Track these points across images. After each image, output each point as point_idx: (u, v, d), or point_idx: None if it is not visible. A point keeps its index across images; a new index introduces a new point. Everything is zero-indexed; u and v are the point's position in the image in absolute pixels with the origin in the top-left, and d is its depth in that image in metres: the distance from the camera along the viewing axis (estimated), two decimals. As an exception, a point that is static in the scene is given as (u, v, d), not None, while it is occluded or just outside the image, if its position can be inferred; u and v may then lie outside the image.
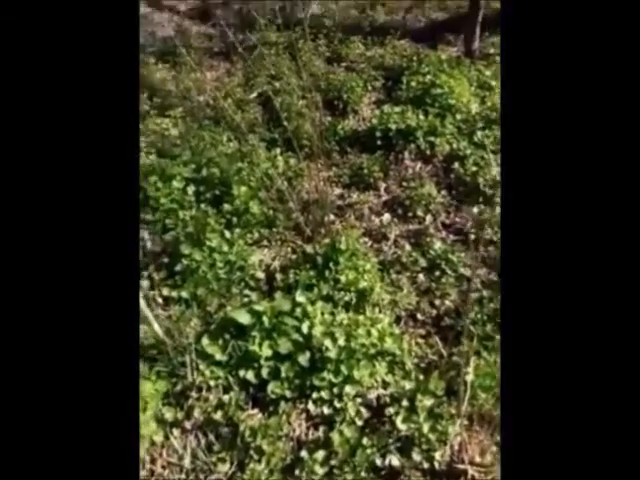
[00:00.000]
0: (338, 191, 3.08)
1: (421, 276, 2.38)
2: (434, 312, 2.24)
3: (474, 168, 2.93)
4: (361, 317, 1.97)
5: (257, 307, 1.82)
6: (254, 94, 4.00)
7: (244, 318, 1.83)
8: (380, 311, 2.16)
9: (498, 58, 4.36)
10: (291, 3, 6.19)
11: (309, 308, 1.87)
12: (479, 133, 3.25)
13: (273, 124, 3.50)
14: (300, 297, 1.90)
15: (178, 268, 2.03)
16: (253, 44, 5.12)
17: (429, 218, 2.78)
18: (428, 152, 3.21)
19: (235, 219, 2.43)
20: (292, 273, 2.16)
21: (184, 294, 1.98)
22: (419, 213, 2.77)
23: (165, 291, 2.02)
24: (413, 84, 3.76)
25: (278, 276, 2.19)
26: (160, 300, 2.07)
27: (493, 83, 3.94)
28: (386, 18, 5.97)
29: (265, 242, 2.49)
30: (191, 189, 2.50)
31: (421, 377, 1.86)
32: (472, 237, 2.58)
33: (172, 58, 4.70)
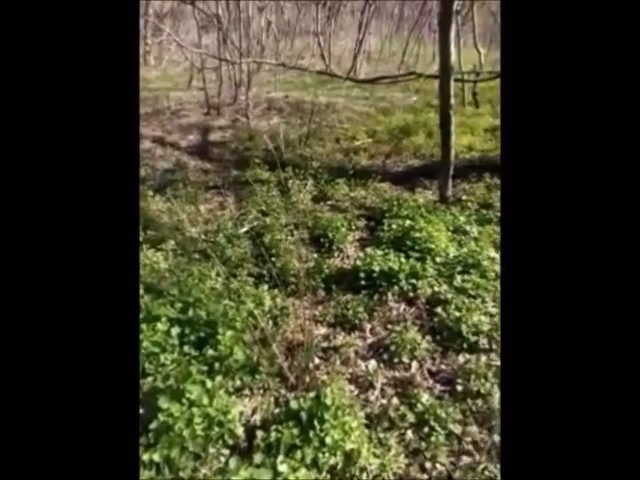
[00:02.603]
0: (323, 330, 3.07)
1: (409, 433, 2.27)
2: (425, 477, 2.08)
3: (457, 313, 3.00)
4: (348, 485, 1.81)
5: (234, 479, 1.67)
6: (245, 228, 4.19)
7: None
8: (368, 476, 2.00)
9: (470, 204, 4.78)
10: (283, 145, 6.88)
11: (291, 478, 1.72)
12: (458, 277, 3.40)
13: (262, 259, 3.62)
14: (282, 465, 1.76)
15: (154, 425, 1.89)
16: (246, 180, 5.55)
17: (415, 365, 2.75)
18: (411, 294, 3.30)
19: (218, 364, 2.36)
20: (274, 430, 2.03)
21: (156, 457, 1.81)
22: (405, 359, 2.75)
23: (135, 453, 1.85)
24: (394, 227, 4.02)
25: (259, 433, 2.05)
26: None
27: (468, 228, 4.25)
28: (368, 162, 6.64)
29: (247, 390, 2.38)
30: (175, 330, 2.47)
31: None
32: (459, 388, 2.53)
33: (169, 191, 5.01)
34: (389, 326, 3.06)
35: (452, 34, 4.12)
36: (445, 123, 4.62)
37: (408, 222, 4.01)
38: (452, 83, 4.40)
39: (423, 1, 15.26)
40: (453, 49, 4.25)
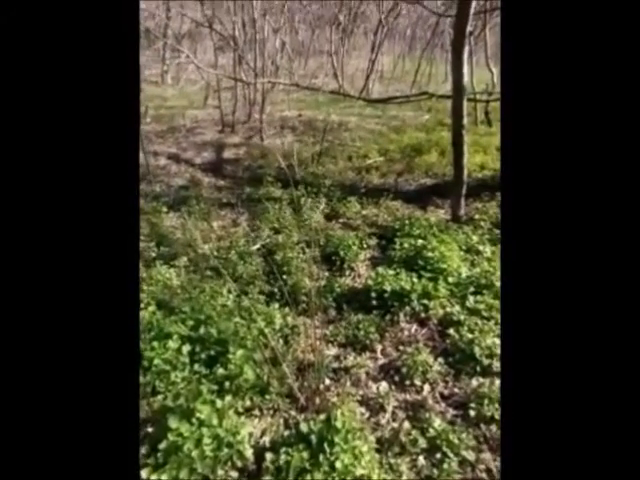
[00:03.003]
0: (334, 351, 3.05)
1: (421, 459, 2.22)
2: (437, 506, 2.03)
3: (469, 335, 2.96)
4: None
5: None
6: (257, 246, 4.22)
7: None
8: (378, 504, 1.96)
9: (483, 223, 4.75)
10: (296, 163, 6.94)
11: (301, 503, 1.70)
12: (471, 298, 3.36)
13: (273, 277, 3.63)
14: (292, 490, 1.73)
15: (163, 445, 1.88)
16: (259, 197, 5.61)
17: (427, 388, 2.70)
18: (423, 315, 3.27)
19: (228, 384, 2.35)
20: (284, 453, 2.01)
21: (164, 478, 1.80)
22: (416, 382, 2.71)
23: (144, 473, 1.84)
24: (406, 246, 4.01)
25: (268, 455, 2.03)
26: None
27: (480, 248, 4.22)
28: (380, 180, 6.66)
29: (256, 411, 2.37)
30: (186, 348, 2.47)
31: None
32: (472, 413, 2.48)
33: (183, 207, 5.08)
34: (400, 347, 3.02)
35: (465, 55, 4.15)
36: (458, 143, 4.63)
37: (420, 241, 3.99)
38: (465, 103, 4.42)
39: (435, 22, 15.47)
40: (466, 69, 4.28)
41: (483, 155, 7.32)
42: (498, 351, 2.82)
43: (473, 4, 3.84)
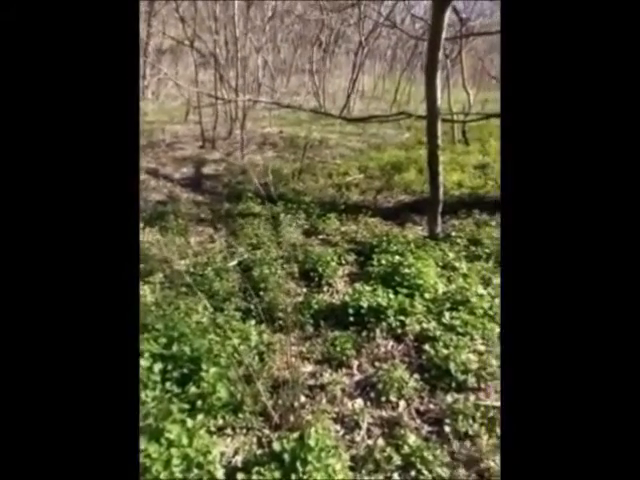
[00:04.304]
0: (310, 367, 3.03)
1: (395, 476, 2.20)
2: (411, 526, 2.01)
3: (445, 351, 2.98)
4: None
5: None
6: (234, 262, 4.19)
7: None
8: (351, 523, 1.93)
9: (460, 240, 4.83)
10: (274, 180, 6.98)
11: (271, 526, 1.66)
12: (447, 314, 3.40)
13: (250, 293, 3.60)
14: (262, 512, 1.69)
15: (129, 467, 1.82)
16: (238, 213, 5.60)
17: (402, 404, 2.70)
18: (399, 331, 3.29)
19: (200, 402, 2.31)
20: (255, 472, 1.97)
21: (130, 502, 1.73)
22: (392, 398, 2.70)
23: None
24: (383, 262, 4.04)
25: (239, 476, 1.98)
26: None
27: (457, 264, 4.28)
28: (359, 197, 6.73)
29: (229, 430, 2.32)
30: (158, 366, 2.42)
31: None
32: (447, 429, 2.48)
33: (160, 223, 5.03)
34: (377, 363, 3.02)
35: (438, 79, 4.30)
36: (433, 162, 4.74)
37: (397, 258, 4.03)
38: (439, 124, 4.54)
39: (414, 44, 15.94)
40: (439, 93, 4.42)
41: (460, 173, 7.50)
42: (473, 367, 2.85)
43: (444, 32, 3.98)
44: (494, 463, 2.25)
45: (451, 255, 4.45)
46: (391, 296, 3.48)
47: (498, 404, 2.63)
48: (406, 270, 3.80)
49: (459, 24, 9.24)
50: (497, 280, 4.12)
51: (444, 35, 4.10)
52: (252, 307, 3.43)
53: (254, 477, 1.94)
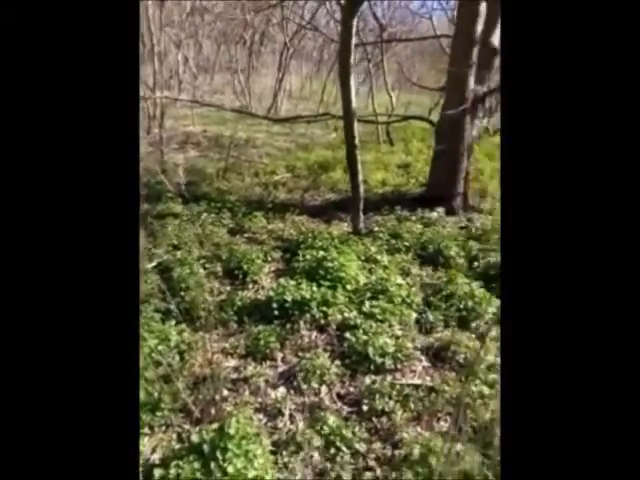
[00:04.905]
0: (234, 362, 3.04)
1: (316, 455, 2.29)
2: (329, 499, 2.11)
3: (364, 337, 3.13)
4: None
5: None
6: (153, 263, 4.07)
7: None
8: (272, 504, 1.98)
9: (382, 235, 5.07)
10: (198, 179, 6.83)
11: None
12: (367, 303, 3.57)
13: (170, 294, 3.52)
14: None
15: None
16: (157, 214, 5.41)
17: (324, 389, 2.80)
18: (322, 321, 3.40)
19: (115, 404, 2.23)
20: (174, 466, 1.95)
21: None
22: (314, 384, 2.80)
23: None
24: (308, 257, 4.14)
25: (157, 471, 1.96)
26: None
27: (378, 257, 4.50)
28: (287, 196, 6.80)
29: (147, 429, 2.27)
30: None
31: None
32: (365, 408, 2.62)
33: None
34: (300, 353, 3.10)
35: (353, 82, 4.48)
36: (352, 161, 4.93)
37: (322, 253, 4.14)
38: (356, 125, 4.75)
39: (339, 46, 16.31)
40: (354, 96, 4.61)
41: (384, 172, 7.85)
42: (390, 350, 3.02)
43: (354, 38, 4.17)
44: (407, 434, 2.42)
45: (373, 249, 4.66)
46: (314, 289, 3.58)
47: (412, 382, 2.83)
48: (329, 264, 3.92)
49: (379, 30, 9.67)
50: (415, 270, 4.41)
51: (359, 40, 4.29)
52: (172, 308, 3.36)
53: (172, 471, 1.93)
